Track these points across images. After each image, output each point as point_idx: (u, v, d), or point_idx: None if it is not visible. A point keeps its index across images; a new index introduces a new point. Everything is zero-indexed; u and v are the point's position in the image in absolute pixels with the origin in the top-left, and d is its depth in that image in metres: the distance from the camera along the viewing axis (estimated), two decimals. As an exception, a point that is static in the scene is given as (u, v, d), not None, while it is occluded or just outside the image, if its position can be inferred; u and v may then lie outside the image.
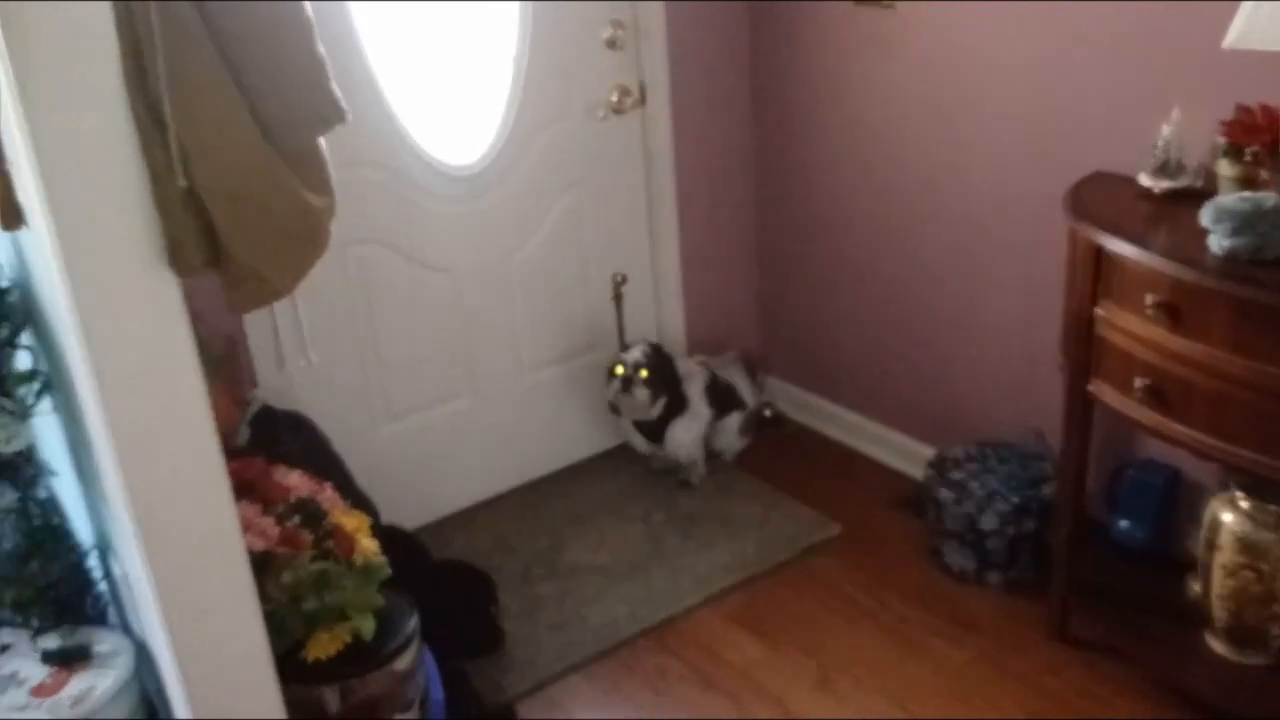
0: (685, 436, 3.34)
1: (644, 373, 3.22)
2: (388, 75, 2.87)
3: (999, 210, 2.92)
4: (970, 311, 3.09)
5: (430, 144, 3.01)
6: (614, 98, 3.24)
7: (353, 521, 2.20)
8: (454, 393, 3.25)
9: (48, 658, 2.15)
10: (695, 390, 3.35)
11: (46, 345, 2.09)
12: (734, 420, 3.45)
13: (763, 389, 3.65)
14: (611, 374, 3.26)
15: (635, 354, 3.25)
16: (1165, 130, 2.34)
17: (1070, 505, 2.61)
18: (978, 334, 3.10)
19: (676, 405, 3.31)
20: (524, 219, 3.23)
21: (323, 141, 1.81)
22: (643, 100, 3.30)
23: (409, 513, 2.97)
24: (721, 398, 3.42)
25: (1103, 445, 2.73)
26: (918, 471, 3.18)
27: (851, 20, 3.11)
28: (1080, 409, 2.47)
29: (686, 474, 3.41)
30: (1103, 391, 2.36)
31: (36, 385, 2.12)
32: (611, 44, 3.20)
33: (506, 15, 3.05)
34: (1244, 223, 2.03)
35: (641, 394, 3.22)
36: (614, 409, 3.32)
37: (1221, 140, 2.26)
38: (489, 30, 3.06)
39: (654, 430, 3.34)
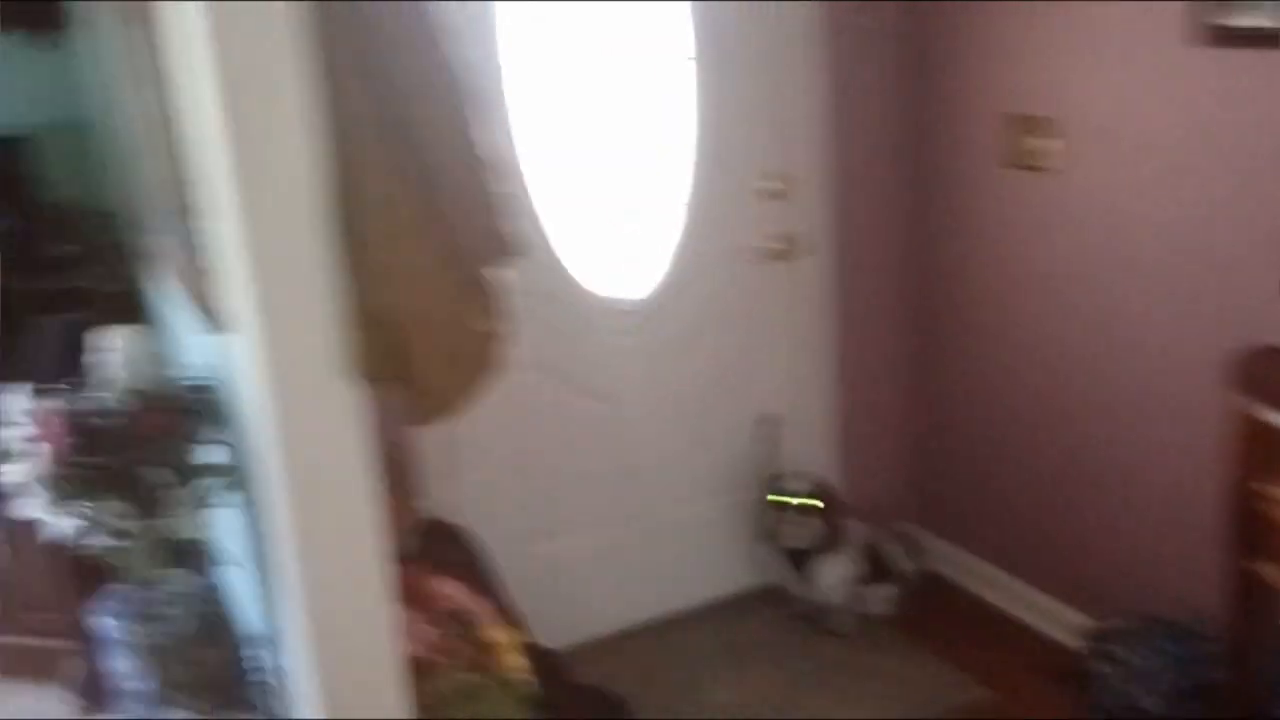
0: (835, 576, 3.31)
1: (810, 501, 3.24)
2: (563, 212, 3.04)
3: (1161, 374, 2.86)
4: (1131, 477, 3.01)
5: (599, 279, 3.15)
6: (776, 245, 3.34)
7: (505, 637, 2.24)
8: (608, 518, 3.32)
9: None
10: (852, 538, 3.34)
11: (238, 441, 2.23)
12: (887, 589, 3.41)
13: (921, 562, 3.58)
14: (776, 499, 3.28)
15: (802, 482, 3.27)
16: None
17: (1238, 692, 2.47)
18: (1140, 500, 3.00)
19: (832, 541, 3.28)
20: (684, 355, 3.32)
21: (501, 272, 1.94)
22: (804, 249, 3.38)
23: (557, 631, 3.01)
24: (877, 561, 3.39)
25: (1272, 628, 2.60)
26: (1072, 640, 3.06)
27: (1010, 184, 3.15)
28: (1245, 589, 2.37)
29: (831, 621, 3.36)
30: (1269, 572, 2.26)
31: (226, 479, 2.25)
32: (776, 194, 3.31)
33: (680, 164, 3.20)
34: None
35: (809, 521, 3.21)
36: (769, 536, 3.32)
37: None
38: (662, 175, 3.22)
39: (805, 563, 3.32)
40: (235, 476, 2.25)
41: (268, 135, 1.72)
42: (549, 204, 3.03)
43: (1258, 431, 2.22)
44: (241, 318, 1.87)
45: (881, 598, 3.42)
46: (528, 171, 2.97)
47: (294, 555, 1.88)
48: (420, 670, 2.06)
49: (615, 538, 3.34)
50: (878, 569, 3.41)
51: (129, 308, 2.89)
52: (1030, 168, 3.07)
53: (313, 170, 1.75)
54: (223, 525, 2.45)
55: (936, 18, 3.28)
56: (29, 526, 2.25)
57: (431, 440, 2.93)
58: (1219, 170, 2.62)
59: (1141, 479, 2.99)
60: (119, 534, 2.10)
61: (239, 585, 2.48)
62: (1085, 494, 3.16)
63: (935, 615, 3.46)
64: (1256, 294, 2.58)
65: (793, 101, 3.28)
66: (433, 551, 2.51)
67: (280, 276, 1.77)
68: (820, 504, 3.27)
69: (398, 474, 2.56)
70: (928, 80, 3.36)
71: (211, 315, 2.04)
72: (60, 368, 2.34)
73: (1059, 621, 3.26)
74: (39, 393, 2.15)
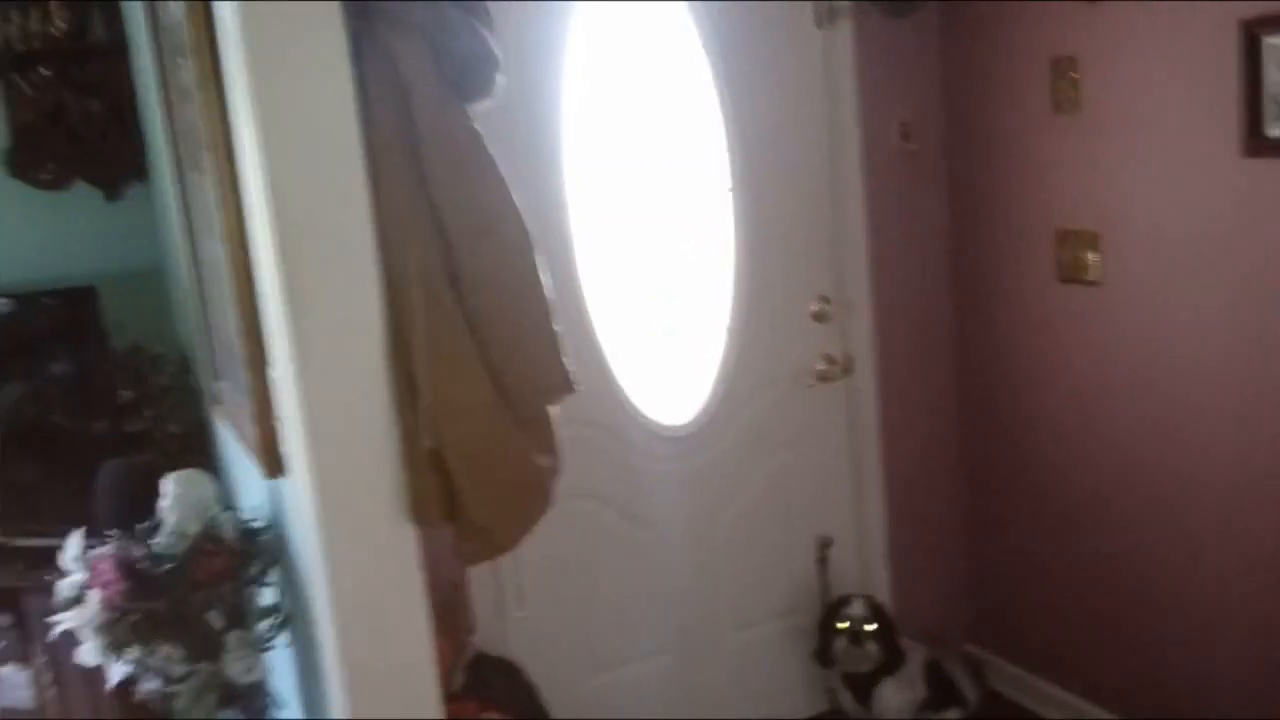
0: (896, 699, 3.23)
1: (871, 625, 3.20)
2: (610, 341, 3.09)
3: (1224, 483, 2.82)
4: (1197, 590, 2.94)
5: (645, 405, 3.19)
6: (821, 366, 3.36)
7: (554, 773, 2.23)
8: (659, 649, 3.29)
9: None
10: (913, 660, 3.27)
11: (291, 583, 2.27)
12: (951, 715, 3.32)
13: (984, 684, 3.48)
14: (834, 625, 3.24)
15: (858, 606, 3.22)
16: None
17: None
18: (1207, 614, 2.93)
19: (890, 665, 3.23)
20: (732, 479, 3.33)
21: (555, 407, 1.98)
22: (849, 370, 3.41)
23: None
24: (941, 686, 3.31)
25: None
26: (1140, 762, 2.98)
27: (1058, 297, 3.17)
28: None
29: (892, 748, 3.29)
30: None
31: (277, 620, 2.28)
32: (819, 317, 3.35)
33: (722, 287, 3.26)
34: None
35: (868, 643, 3.17)
36: (824, 660, 3.27)
37: None
38: (704, 299, 3.28)
39: (864, 687, 3.26)
40: (289, 619, 2.29)
41: (324, 283, 1.80)
42: (599, 331, 3.09)
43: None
44: (296, 461, 1.93)
45: (950, 726, 3.33)
46: (583, 301, 3.04)
47: (346, 696, 1.90)
48: (470, 811, 2.05)
49: (665, 668, 3.30)
50: (940, 694, 3.33)
51: (189, 451, 2.97)
52: (1077, 281, 3.09)
53: (369, 316, 1.83)
54: (277, 668, 2.47)
55: (976, 132, 3.34)
56: (86, 672, 2.29)
57: (481, 574, 2.95)
58: (1269, 276, 2.63)
59: (1209, 591, 2.92)
60: (172, 678, 2.13)
61: (291, 725, 2.49)
62: (1147, 611, 3.09)
63: (997, 738, 3.37)
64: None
65: (835, 223, 3.34)
66: (482, 686, 2.52)
67: (334, 420, 1.83)
68: (878, 626, 3.22)
69: (448, 610, 2.58)
70: (969, 195, 3.41)
71: (270, 459, 2.10)
72: (120, 512, 2.39)
73: (1125, 742, 3.17)
74: (97, 537, 2.21)
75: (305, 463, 1.85)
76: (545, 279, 1.93)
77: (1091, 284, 3.06)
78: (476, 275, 1.86)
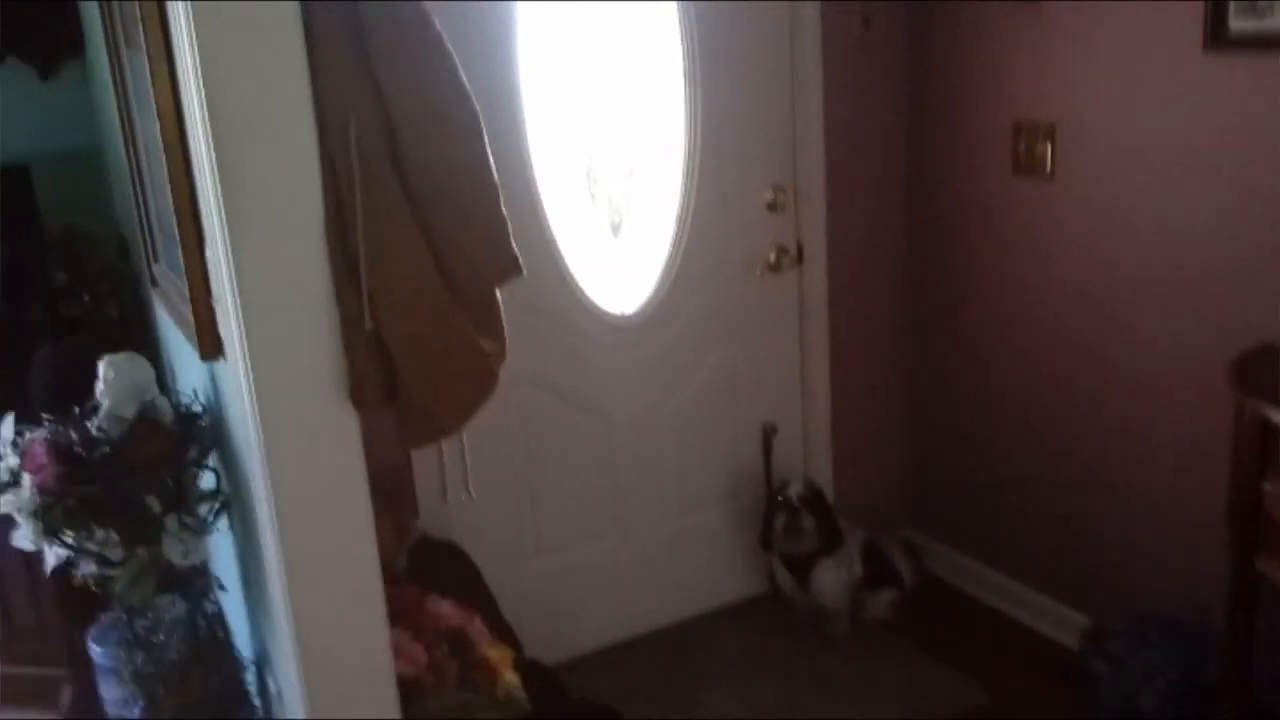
0: (832, 579, 3.30)
1: (803, 492, 3.26)
2: (559, 227, 3.04)
3: (1162, 374, 2.87)
4: (1132, 476, 3.02)
5: (594, 292, 3.16)
6: (772, 256, 3.35)
7: (497, 654, 2.25)
8: (602, 532, 3.32)
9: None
10: (852, 543, 3.34)
11: (230, 467, 2.24)
12: (887, 595, 3.42)
13: (920, 566, 3.57)
14: (775, 503, 3.29)
15: (796, 485, 3.29)
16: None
17: (1237, 692, 2.48)
18: (1138, 498, 3.01)
19: (829, 546, 3.29)
20: (680, 368, 3.32)
21: (498, 290, 1.94)
22: (800, 259, 3.39)
23: (550, 647, 3.02)
24: (877, 567, 3.39)
25: (1274, 625, 2.60)
26: (1072, 640, 3.07)
27: (1011, 190, 3.16)
28: (1246, 587, 2.37)
29: (828, 627, 3.37)
30: (1271, 569, 2.27)
31: (216, 504, 2.27)
32: (772, 206, 3.31)
33: (672, 178, 3.21)
34: None
35: (809, 522, 3.23)
36: (766, 542, 3.33)
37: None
38: (655, 187, 3.22)
39: (802, 568, 3.33)
40: (229, 502, 2.27)
41: (260, 162, 1.73)
42: (548, 218, 3.03)
43: (1259, 429, 2.23)
44: (233, 343, 1.88)
45: (881, 603, 3.42)
46: (534, 187, 2.97)
47: (285, 579, 1.89)
48: (412, 690, 2.07)
49: (611, 551, 3.34)
50: (877, 574, 3.41)
51: (126, 335, 2.90)
52: (1033, 174, 3.08)
53: (307, 196, 1.77)
54: (217, 551, 2.46)
55: (937, 24, 3.28)
56: (20, 556, 2.27)
57: (425, 459, 2.94)
58: (1225, 173, 2.63)
59: (1140, 479, 2.99)
60: (108, 561, 2.11)
61: (231, 610, 2.49)
62: (1083, 495, 3.17)
63: (935, 619, 3.46)
64: (1259, 295, 2.59)
65: (789, 112, 3.29)
66: (425, 570, 2.53)
67: (271, 301, 1.79)
68: (815, 505, 3.27)
69: (390, 494, 2.58)
70: (927, 87, 3.37)
71: (207, 341, 2.06)
72: (55, 396, 2.34)
73: (1059, 622, 3.27)
74: (32, 422, 2.17)
75: (242, 345, 1.81)
76: (492, 162, 1.88)
77: (1046, 177, 3.04)
78: (422, 157, 1.81)
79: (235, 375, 1.93)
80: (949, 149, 3.34)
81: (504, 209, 1.89)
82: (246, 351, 1.81)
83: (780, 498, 3.29)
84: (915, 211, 3.50)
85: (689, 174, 3.20)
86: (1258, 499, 2.27)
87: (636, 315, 3.24)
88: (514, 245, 1.90)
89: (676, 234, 3.24)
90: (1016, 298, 3.23)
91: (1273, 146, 2.50)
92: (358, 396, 1.84)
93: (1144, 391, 2.93)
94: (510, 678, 2.21)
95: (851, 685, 3.17)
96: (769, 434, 3.46)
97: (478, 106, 1.85)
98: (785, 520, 3.25)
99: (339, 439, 1.87)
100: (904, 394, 3.69)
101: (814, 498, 3.29)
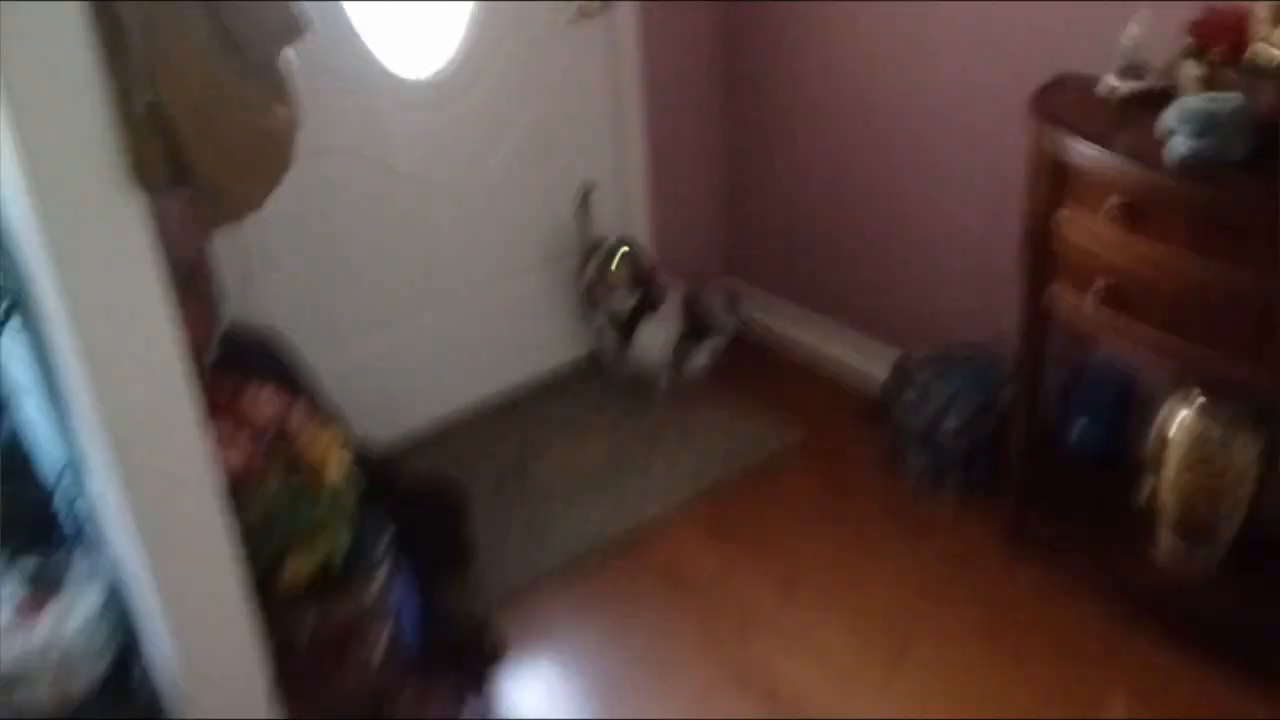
0: (655, 337, 3.36)
1: (623, 250, 3.26)
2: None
3: (963, 112, 2.93)
4: (934, 215, 3.12)
5: (393, 54, 2.95)
6: (578, 3, 3.19)
7: (324, 438, 2.20)
8: (422, 305, 3.25)
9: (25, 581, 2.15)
10: (672, 298, 3.39)
11: (13, 265, 2.06)
12: (708, 345, 3.49)
13: (739, 315, 3.64)
14: (588, 256, 3.28)
15: (618, 246, 3.28)
16: (1132, 30, 2.33)
17: (1026, 409, 2.66)
18: (942, 237, 3.12)
19: (650, 303, 3.33)
20: (490, 128, 3.19)
21: (287, 54, 1.78)
22: (608, 3, 3.25)
23: (379, 427, 2.99)
24: (698, 318, 3.45)
25: (1060, 351, 2.79)
26: (884, 374, 3.23)
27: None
28: (1037, 313, 2.51)
29: (653, 382, 3.44)
30: (1062, 295, 2.40)
31: (4, 303, 2.09)
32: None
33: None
34: (1208, 124, 2.05)
35: (619, 274, 3.24)
36: (588, 298, 3.34)
37: (1188, 41, 2.25)
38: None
39: (625, 327, 3.36)
40: (17, 302, 2.10)
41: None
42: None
43: (1054, 158, 2.30)
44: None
45: (702, 355, 3.50)
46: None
47: (87, 378, 1.77)
48: (240, 482, 2.01)
49: (433, 324, 3.28)
50: (698, 327, 3.48)
51: None
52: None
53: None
54: (11, 354, 2.29)
55: None
56: None
57: (227, 241, 2.77)
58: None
59: (944, 216, 3.10)
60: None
61: (36, 417, 2.35)
62: (894, 234, 3.26)
63: (752, 366, 3.58)
64: (1061, 26, 2.62)
65: None
66: (239, 359, 2.42)
67: (32, 78, 1.59)
68: (636, 262, 3.29)
69: (194, 280, 2.43)
70: None
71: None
72: None
73: (873, 358, 3.41)
74: None
75: (6, 131, 1.62)
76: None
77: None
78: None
79: (4, 165, 1.74)
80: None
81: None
82: (13, 138, 1.62)
83: (599, 258, 3.28)
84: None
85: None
86: (1050, 229, 2.37)
87: (440, 74, 3.06)
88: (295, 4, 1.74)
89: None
90: (822, 37, 3.21)
91: None
92: (142, 178, 1.68)
93: (946, 130, 2.99)
94: (340, 461, 2.18)
95: (677, 435, 3.28)
96: (586, 192, 3.40)
97: None
98: (604, 281, 3.26)
99: (126, 225, 1.72)
100: (720, 144, 3.67)
101: (634, 255, 3.29)
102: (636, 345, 3.37)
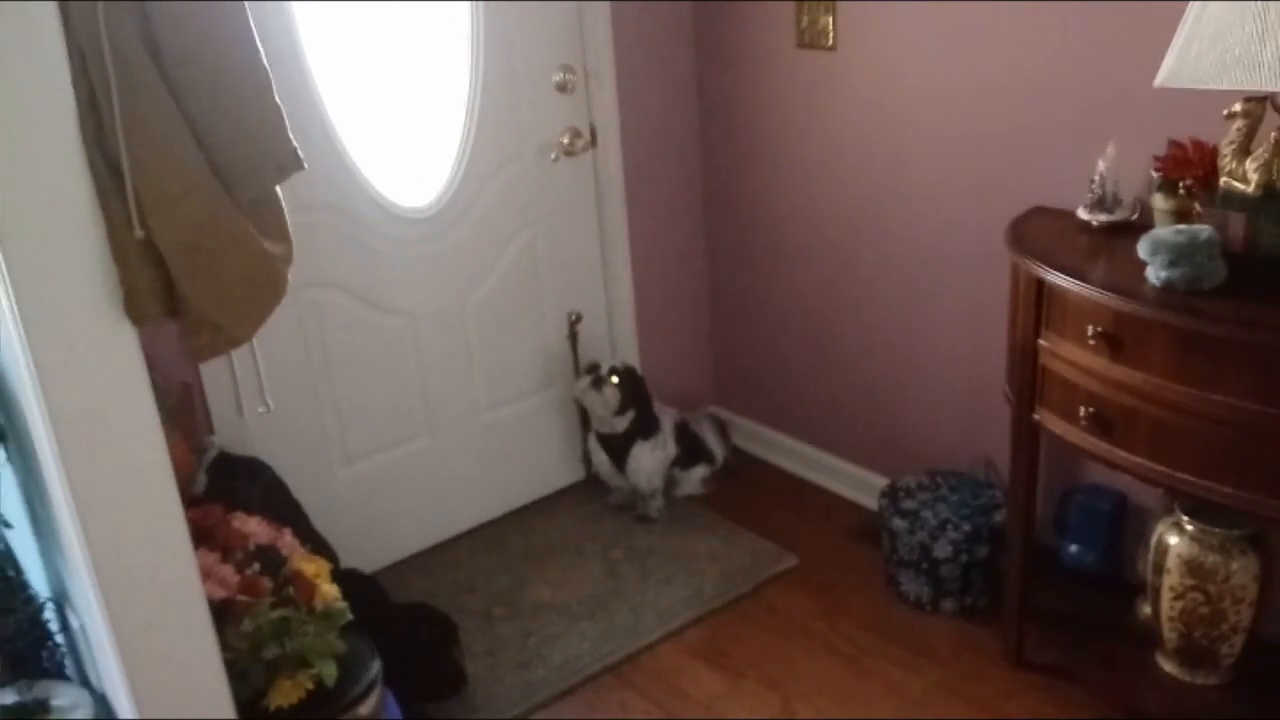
0: (648, 461, 3.37)
1: (615, 378, 3.30)
2: (342, 120, 2.89)
3: (943, 243, 2.99)
4: (918, 342, 3.16)
5: (385, 187, 3.03)
6: (565, 140, 3.28)
7: (312, 567, 2.19)
8: (411, 434, 3.26)
9: (5, 713, 2.12)
10: (666, 423, 3.41)
11: (3, 394, 2.07)
12: (700, 471, 3.52)
13: (730, 442, 3.67)
14: (583, 373, 3.34)
15: (610, 370, 3.33)
16: (1101, 165, 2.42)
17: (1020, 532, 2.65)
18: (926, 364, 3.16)
19: (646, 427, 3.35)
20: (479, 260, 3.25)
21: (279, 189, 1.83)
22: (594, 142, 3.34)
23: (368, 556, 2.97)
24: (690, 444, 3.47)
25: (1051, 472, 2.80)
26: (873, 502, 3.23)
27: (795, 63, 3.18)
28: (1027, 437, 2.53)
29: (644, 507, 3.43)
30: (1048, 420, 2.42)
31: (-11, 437, 2.10)
32: (562, 88, 3.24)
33: (458, 61, 3.09)
34: (1180, 254, 2.10)
35: (611, 394, 3.27)
36: (583, 425, 3.35)
37: (1156, 174, 2.33)
38: (441, 75, 3.09)
39: (619, 450, 3.37)
40: (5, 434, 2.10)
41: (7, 57, 1.56)
42: (333, 111, 2.86)
43: (1033, 288, 2.34)
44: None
45: (694, 479, 3.51)
46: (309, 77, 2.79)
47: (72, 510, 1.77)
48: (227, 612, 1.99)
49: (422, 452, 3.29)
50: (690, 450, 3.49)
51: None
52: (815, 46, 3.10)
53: (54, 92, 1.60)
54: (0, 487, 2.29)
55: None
56: None
57: (216, 372, 2.80)
58: (999, 45, 2.71)
59: (926, 343, 3.13)
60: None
61: (21, 546, 2.34)
62: (878, 361, 3.30)
63: (743, 492, 3.58)
64: (1033, 159, 2.70)
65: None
66: (227, 489, 2.42)
67: (27, 210, 1.62)
68: (632, 389, 3.32)
69: (181, 411, 2.45)
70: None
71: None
72: None
73: (861, 485, 3.43)
74: None
75: (-1, 258, 1.65)
76: (260, 45, 1.74)
77: (829, 49, 3.07)
78: (180, 43, 1.66)
79: (-2, 296, 1.76)
80: (736, 22, 3.33)
81: (277, 97, 1.76)
82: (5, 267, 1.65)
83: (591, 383, 3.31)
84: (704, 88, 3.49)
85: (475, 55, 3.09)
86: (1035, 353, 2.40)
87: (430, 207, 3.13)
88: (291, 137, 1.78)
89: (466, 121, 3.13)
90: (804, 171, 3.29)
91: (1039, 21, 2.60)
92: (133, 310, 1.71)
93: (927, 258, 3.05)
94: (329, 589, 2.16)
95: (669, 560, 3.25)
96: (574, 321, 3.45)
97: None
98: (593, 386, 3.29)
99: (116, 354, 1.73)
100: (704, 273, 3.73)
101: (625, 373, 3.33)
102: (630, 469, 3.38)
